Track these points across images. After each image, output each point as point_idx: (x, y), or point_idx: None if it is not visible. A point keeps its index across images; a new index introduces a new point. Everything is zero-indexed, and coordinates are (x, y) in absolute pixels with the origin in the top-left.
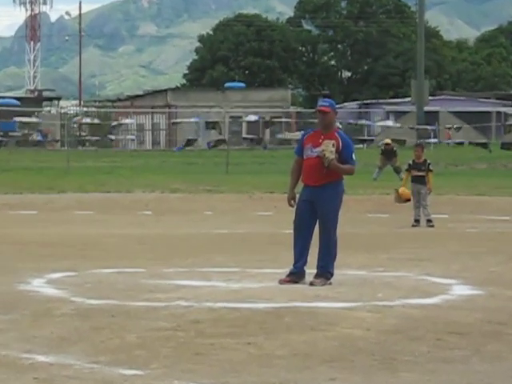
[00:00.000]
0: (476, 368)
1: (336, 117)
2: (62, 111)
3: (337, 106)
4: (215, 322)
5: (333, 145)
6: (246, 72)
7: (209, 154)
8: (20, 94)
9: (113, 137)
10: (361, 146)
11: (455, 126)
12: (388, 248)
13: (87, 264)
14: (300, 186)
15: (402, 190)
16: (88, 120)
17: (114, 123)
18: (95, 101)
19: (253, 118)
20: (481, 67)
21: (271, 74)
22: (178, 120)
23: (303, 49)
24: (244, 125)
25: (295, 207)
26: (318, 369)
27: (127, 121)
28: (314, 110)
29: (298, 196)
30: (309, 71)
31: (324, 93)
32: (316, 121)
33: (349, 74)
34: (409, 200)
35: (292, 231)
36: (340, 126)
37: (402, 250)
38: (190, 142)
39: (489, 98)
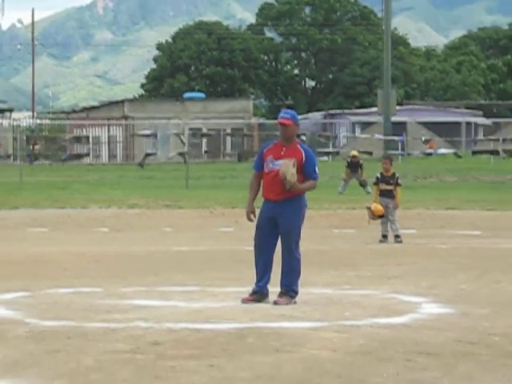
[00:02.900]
0: None
1: (298, 129)
2: (15, 123)
3: (301, 116)
4: (176, 344)
5: (293, 164)
6: (207, 82)
7: (168, 168)
8: None
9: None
10: (325, 158)
11: (424, 138)
12: (355, 265)
13: (41, 284)
14: (259, 200)
15: (374, 206)
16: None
17: (67, 137)
18: (49, 112)
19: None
20: (450, 75)
21: (232, 84)
22: (139, 132)
23: (265, 57)
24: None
25: (255, 223)
26: None
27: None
28: (276, 122)
29: (257, 211)
30: (271, 81)
31: (287, 103)
32: (279, 133)
33: (313, 83)
34: (383, 216)
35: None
36: (304, 138)
37: (369, 267)
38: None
39: (458, 108)
